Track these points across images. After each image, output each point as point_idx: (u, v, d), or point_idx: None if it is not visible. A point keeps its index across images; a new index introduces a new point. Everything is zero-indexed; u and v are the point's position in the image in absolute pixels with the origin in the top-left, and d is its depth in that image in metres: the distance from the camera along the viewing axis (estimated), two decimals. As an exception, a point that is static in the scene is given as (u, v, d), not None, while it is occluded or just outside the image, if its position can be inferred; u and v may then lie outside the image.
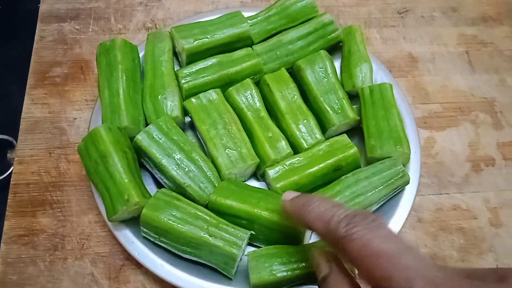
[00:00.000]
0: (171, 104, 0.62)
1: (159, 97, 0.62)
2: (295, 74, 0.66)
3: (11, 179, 0.63)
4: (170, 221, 0.53)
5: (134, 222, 0.57)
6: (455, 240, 0.62)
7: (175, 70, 0.66)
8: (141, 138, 0.58)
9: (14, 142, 0.67)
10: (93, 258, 0.59)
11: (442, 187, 0.66)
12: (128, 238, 0.56)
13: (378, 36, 0.78)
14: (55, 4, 0.77)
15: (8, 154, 0.66)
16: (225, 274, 0.54)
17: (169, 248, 0.55)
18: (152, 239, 0.56)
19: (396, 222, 0.58)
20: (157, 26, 0.76)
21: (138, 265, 0.58)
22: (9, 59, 0.77)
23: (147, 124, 0.62)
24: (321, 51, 0.66)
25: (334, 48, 0.71)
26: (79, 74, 0.71)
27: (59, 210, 0.61)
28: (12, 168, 0.64)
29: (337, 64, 0.70)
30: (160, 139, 0.58)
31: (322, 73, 0.65)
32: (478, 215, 0.64)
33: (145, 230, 0.55)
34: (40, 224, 0.60)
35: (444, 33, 0.79)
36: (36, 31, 0.74)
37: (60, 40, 0.74)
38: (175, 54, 0.69)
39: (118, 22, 0.76)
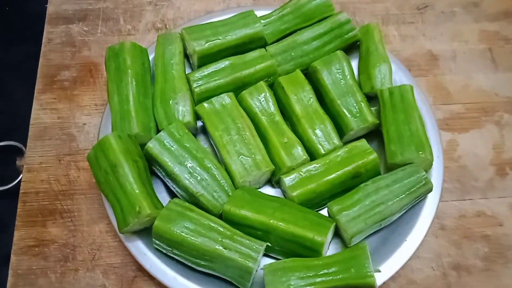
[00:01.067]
0: (183, 109, 0.60)
1: (170, 102, 0.60)
2: (311, 76, 0.64)
3: (21, 187, 0.62)
4: (183, 233, 0.51)
5: (146, 232, 0.55)
6: (479, 248, 0.60)
7: (186, 73, 0.64)
8: (152, 146, 0.56)
9: (23, 148, 0.65)
10: (105, 269, 0.57)
11: (465, 192, 0.63)
12: (140, 250, 0.55)
13: (396, 34, 0.75)
14: (62, 5, 0.75)
15: (17, 161, 0.65)
16: (240, 287, 0.53)
17: (182, 260, 0.54)
18: (164, 251, 0.54)
19: (419, 230, 0.56)
20: (167, 26, 0.74)
21: (151, 277, 0.56)
22: (15, 61, 0.76)
23: (158, 130, 0.60)
24: (338, 51, 0.64)
25: (351, 48, 0.68)
26: (88, 77, 0.69)
27: (70, 219, 0.60)
28: (21, 175, 0.63)
29: (354, 64, 0.67)
30: (172, 146, 0.56)
31: (339, 74, 0.62)
32: (504, 222, 0.61)
33: (157, 242, 0.53)
34: (50, 234, 0.59)
35: (465, 30, 0.76)
36: (44, 33, 0.73)
37: (68, 43, 0.72)
38: (186, 56, 0.67)
39: (127, 22, 0.74)
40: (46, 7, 0.75)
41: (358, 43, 0.68)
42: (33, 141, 0.64)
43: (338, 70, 0.62)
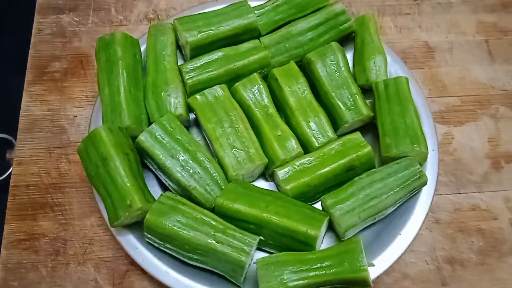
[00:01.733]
0: (175, 101, 0.59)
1: (162, 94, 0.59)
2: (305, 68, 0.63)
3: (11, 180, 0.61)
4: (175, 227, 0.51)
5: (138, 226, 0.55)
6: (474, 242, 0.59)
7: (178, 64, 0.63)
8: (144, 139, 0.55)
9: (13, 141, 0.64)
10: (96, 263, 0.57)
11: (460, 186, 0.63)
12: (132, 244, 0.54)
13: (392, 25, 0.74)
14: (53, -6, 0.74)
15: (7, 154, 0.64)
16: (233, 281, 0.52)
17: (174, 254, 0.53)
18: (156, 245, 0.53)
19: (413, 224, 0.55)
20: (160, 16, 0.73)
21: (144, 271, 0.56)
22: (6, 52, 0.75)
23: (150, 123, 0.59)
24: (333, 43, 0.63)
25: (346, 39, 0.67)
26: (79, 69, 0.68)
27: (60, 213, 0.59)
28: (11, 169, 0.62)
29: (349, 56, 0.66)
30: (163, 139, 0.55)
31: (333, 66, 0.61)
32: (498, 216, 0.61)
33: (149, 236, 0.52)
34: (41, 227, 0.58)
35: (462, 21, 0.75)
36: (34, 23, 0.71)
37: (58, 33, 0.71)
38: (179, 47, 0.66)
39: (119, 13, 0.73)
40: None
41: (353, 34, 0.67)
42: (23, 134, 0.63)
43: (333, 62, 0.61)
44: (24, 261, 0.57)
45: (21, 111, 0.65)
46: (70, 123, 0.64)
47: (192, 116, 0.62)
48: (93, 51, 0.69)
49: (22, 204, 0.59)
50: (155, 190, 0.58)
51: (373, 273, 0.52)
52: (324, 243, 0.56)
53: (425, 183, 0.56)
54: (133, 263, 0.57)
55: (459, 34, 0.74)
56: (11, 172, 0.62)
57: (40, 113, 0.65)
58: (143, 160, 0.57)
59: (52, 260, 0.57)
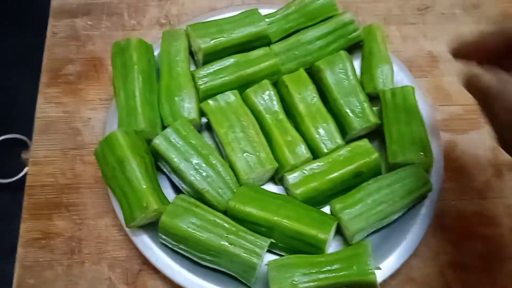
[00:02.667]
0: (188, 106, 0.61)
1: (176, 98, 0.61)
2: (314, 75, 0.65)
3: (26, 180, 0.62)
4: (189, 229, 0.52)
5: (151, 227, 0.56)
6: (477, 248, 0.61)
7: (191, 70, 0.64)
8: (159, 142, 0.57)
9: (28, 141, 0.66)
10: (111, 263, 0.58)
11: (463, 192, 0.65)
12: (146, 244, 0.56)
13: (398, 34, 0.76)
14: (66, -2, 0.75)
15: (22, 155, 0.65)
16: (245, 282, 0.54)
17: (187, 255, 0.55)
18: (170, 246, 0.55)
19: (418, 229, 0.57)
20: (171, 22, 0.75)
21: (156, 270, 0.57)
22: (19, 54, 0.76)
23: (163, 127, 0.61)
24: (341, 51, 0.65)
25: (354, 48, 0.69)
26: (93, 72, 0.70)
27: (75, 213, 0.61)
28: (26, 168, 0.63)
29: (357, 64, 0.68)
30: (178, 143, 0.57)
31: (342, 74, 0.63)
32: (501, 222, 0.63)
33: (163, 237, 0.54)
34: (56, 227, 0.60)
35: (466, 31, 0.77)
36: (48, 27, 0.73)
37: (72, 37, 0.72)
38: (191, 53, 0.67)
39: (132, 18, 0.75)
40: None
41: (361, 43, 0.69)
42: (39, 135, 0.65)
43: (342, 70, 0.63)
44: (40, 260, 0.58)
45: (36, 113, 0.66)
46: (84, 125, 0.66)
47: (203, 120, 0.64)
48: (107, 55, 0.70)
49: (37, 203, 0.61)
50: (168, 193, 0.59)
51: (379, 276, 0.54)
52: (332, 246, 0.58)
53: (430, 190, 0.58)
54: (146, 263, 0.58)
55: (462, 44, 0.76)
56: (26, 172, 0.63)
57: (55, 115, 0.66)
58: (156, 163, 0.59)
59: (67, 258, 0.58)
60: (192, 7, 0.76)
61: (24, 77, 0.73)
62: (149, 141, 0.58)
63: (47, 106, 0.67)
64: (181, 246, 0.54)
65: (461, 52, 0.51)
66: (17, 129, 0.68)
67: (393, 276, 0.56)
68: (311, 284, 0.51)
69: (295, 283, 0.51)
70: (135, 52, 0.62)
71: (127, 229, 0.56)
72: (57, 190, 0.62)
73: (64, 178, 0.63)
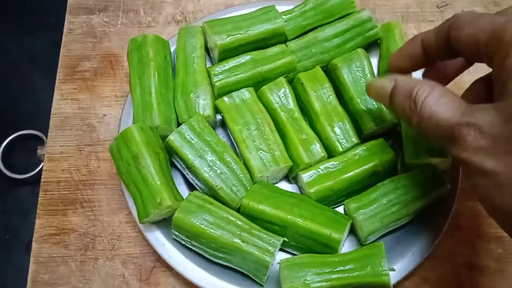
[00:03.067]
0: (203, 103, 0.61)
1: (191, 95, 0.61)
2: (331, 73, 0.64)
3: (42, 176, 0.63)
4: (202, 226, 0.52)
5: (165, 223, 0.56)
6: (493, 249, 0.60)
7: (207, 67, 0.64)
8: (174, 139, 0.57)
9: (44, 137, 0.66)
10: (124, 259, 0.59)
11: (481, 193, 0.63)
12: (159, 241, 0.56)
13: (416, 32, 0.75)
14: (83, -5, 0.76)
15: (38, 150, 0.65)
16: (256, 280, 0.54)
17: (200, 252, 0.55)
18: (183, 242, 0.55)
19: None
20: (187, 19, 0.74)
21: (169, 267, 0.58)
22: (35, 50, 0.77)
23: (178, 123, 0.61)
24: (359, 49, 0.64)
25: (371, 46, 0.68)
26: (109, 68, 0.70)
27: (90, 209, 0.61)
28: (42, 164, 0.64)
29: (374, 62, 0.67)
30: (192, 139, 0.57)
31: (359, 72, 0.62)
32: (518, 223, 0.62)
33: (176, 233, 0.54)
34: (71, 223, 0.60)
35: (485, 29, 0.76)
36: (65, 23, 0.73)
37: (89, 33, 0.73)
38: (207, 50, 0.67)
39: (147, 14, 0.75)
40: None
41: (379, 41, 0.68)
42: (54, 131, 0.65)
43: (359, 68, 0.62)
44: (55, 255, 0.58)
45: (52, 109, 0.67)
46: (99, 122, 0.66)
47: (218, 117, 0.64)
48: (123, 52, 0.71)
49: (53, 199, 0.61)
50: (182, 189, 0.59)
51: (394, 277, 0.54)
52: (345, 246, 0.57)
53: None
54: (159, 260, 0.58)
55: (482, 42, 0.75)
56: (42, 167, 0.64)
57: (70, 111, 0.67)
58: (170, 159, 0.59)
59: (81, 255, 0.59)
60: (208, 3, 0.76)
61: (41, 73, 0.74)
62: (164, 138, 0.58)
63: (63, 103, 0.67)
64: (194, 243, 0.54)
65: (394, 61, 0.53)
66: (33, 125, 0.68)
67: (407, 276, 0.56)
68: (324, 284, 0.51)
69: (307, 282, 0.50)
70: (152, 49, 0.62)
71: (140, 226, 0.56)
72: (72, 186, 0.62)
73: (79, 174, 0.63)
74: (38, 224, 0.60)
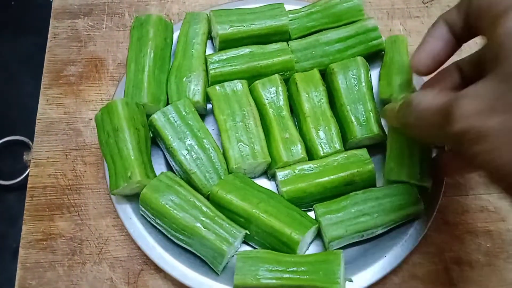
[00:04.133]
0: (194, 88, 0.61)
1: (184, 79, 0.62)
2: (327, 77, 0.64)
3: (28, 182, 0.62)
4: (167, 205, 0.53)
5: (136, 199, 0.56)
6: (482, 243, 0.60)
7: (205, 54, 0.65)
8: (157, 118, 0.58)
9: (30, 143, 0.66)
10: (112, 263, 0.58)
11: (469, 188, 0.63)
12: (127, 214, 0.57)
13: (401, 28, 0.75)
14: (68, -1, 0.76)
15: (24, 156, 0.65)
16: (213, 268, 0.54)
17: (163, 231, 0.55)
18: (148, 219, 0.56)
19: (421, 224, 0.56)
20: (172, 21, 0.74)
21: (157, 270, 0.58)
22: (21, 55, 0.76)
23: (167, 105, 0.61)
24: (358, 57, 0.63)
25: (374, 57, 0.67)
26: (94, 72, 0.70)
27: (77, 213, 0.61)
28: (28, 170, 0.64)
29: (375, 73, 0.66)
30: (175, 121, 0.58)
31: (354, 80, 0.62)
32: (506, 217, 0.62)
33: (142, 209, 0.55)
34: (58, 228, 0.60)
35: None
36: (49, 28, 0.73)
37: (73, 38, 0.72)
38: (211, 38, 0.68)
39: (132, 17, 0.75)
40: (52, 1, 0.75)
41: (383, 52, 0.66)
42: (40, 136, 0.65)
43: (354, 76, 0.62)
44: (42, 261, 0.58)
45: (38, 114, 0.66)
46: (85, 126, 0.66)
47: (209, 106, 0.64)
48: (108, 55, 0.71)
49: (39, 205, 0.61)
50: (161, 169, 0.60)
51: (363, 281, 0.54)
52: (309, 251, 0.57)
53: (421, 212, 0.56)
54: (147, 263, 0.58)
55: (468, 37, 0.74)
56: (28, 173, 0.63)
57: (56, 116, 0.66)
58: (155, 139, 0.60)
59: (68, 259, 0.58)
60: (193, 5, 0.76)
61: (26, 78, 0.74)
62: (149, 117, 0.59)
63: (48, 108, 0.67)
64: (157, 221, 0.55)
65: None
66: (19, 131, 0.68)
67: (395, 272, 0.56)
68: (274, 281, 0.51)
69: (258, 277, 0.51)
70: (152, 28, 0.64)
71: (129, 230, 0.56)
72: (59, 191, 0.62)
73: (66, 179, 0.63)
74: (25, 230, 0.60)
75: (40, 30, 0.75)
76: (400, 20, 0.76)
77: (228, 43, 0.64)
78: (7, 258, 0.63)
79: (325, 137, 0.59)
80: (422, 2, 0.77)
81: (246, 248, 0.57)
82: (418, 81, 0.63)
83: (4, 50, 0.77)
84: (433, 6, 0.77)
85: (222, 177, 0.57)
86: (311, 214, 0.58)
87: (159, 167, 0.60)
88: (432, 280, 0.58)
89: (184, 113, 0.58)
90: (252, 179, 0.60)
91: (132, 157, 0.54)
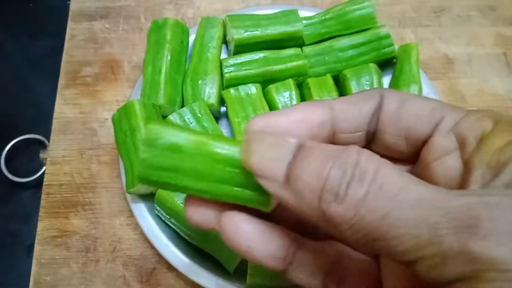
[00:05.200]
0: (209, 91, 0.62)
1: (199, 82, 0.63)
2: (340, 83, 0.65)
3: (44, 179, 0.63)
4: (182, 204, 0.54)
5: (151, 198, 0.57)
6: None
7: (220, 58, 0.66)
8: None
9: (46, 142, 0.67)
10: (125, 261, 0.59)
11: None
12: (142, 213, 0.57)
13: (413, 37, 0.76)
14: (85, 2, 0.77)
15: (40, 154, 0.66)
16: (225, 267, 0.55)
17: (177, 230, 0.56)
18: (163, 218, 0.57)
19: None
20: (187, 25, 0.75)
21: (169, 269, 0.58)
22: (37, 56, 0.78)
23: (183, 107, 0.62)
24: (371, 64, 0.64)
25: (387, 64, 0.68)
26: (110, 74, 0.71)
27: (91, 212, 0.62)
28: (44, 168, 0.65)
29: (387, 80, 0.67)
30: (191, 123, 0.59)
31: (367, 86, 0.63)
32: None
33: (158, 208, 0.56)
34: (72, 225, 0.61)
35: (481, 33, 0.77)
36: (67, 29, 0.74)
37: (90, 39, 0.74)
38: (226, 42, 0.69)
39: (148, 20, 0.76)
40: (69, 3, 0.77)
41: (394, 60, 0.68)
42: (56, 135, 0.66)
43: (367, 82, 0.63)
44: (57, 257, 0.59)
45: (54, 113, 0.67)
46: (101, 126, 0.67)
47: (223, 109, 0.65)
48: (124, 57, 0.72)
49: (55, 202, 0.62)
50: None
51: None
52: None
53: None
54: (160, 262, 0.59)
55: (478, 47, 0.76)
56: (44, 171, 0.64)
57: (72, 116, 0.67)
58: None
59: (83, 256, 0.59)
60: (208, 9, 0.77)
61: (43, 79, 0.75)
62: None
63: (65, 107, 0.68)
64: (173, 221, 0.55)
65: None
66: (36, 130, 0.69)
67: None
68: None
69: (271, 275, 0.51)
70: (170, 32, 0.65)
71: (144, 229, 0.56)
72: (74, 189, 0.63)
73: (81, 177, 0.64)
74: (41, 227, 0.60)
75: (55, 33, 0.76)
76: (411, 29, 0.77)
77: (242, 48, 0.65)
78: (21, 255, 0.63)
79: (332, 142, 0.60)
80: (433, 11, 0.79)
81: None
82: (427, 93, 0.65)
83: (21, 51, 0.78)
84: (443, 16, 0.78)
85: None
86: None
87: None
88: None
89: (199, 114, 0.59)
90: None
91: None
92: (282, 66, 0.64)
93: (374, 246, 0.22)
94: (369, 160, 0.22)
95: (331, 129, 0.28)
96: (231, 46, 0.67)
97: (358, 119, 0.28)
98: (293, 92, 0.62)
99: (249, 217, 0.27)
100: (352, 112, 0.28)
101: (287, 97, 0.62)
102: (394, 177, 0.22)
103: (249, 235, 0.27)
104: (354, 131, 0.28)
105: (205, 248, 0.55)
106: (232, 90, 0.62)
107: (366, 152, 0.23)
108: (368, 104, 0.28)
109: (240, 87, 0.62)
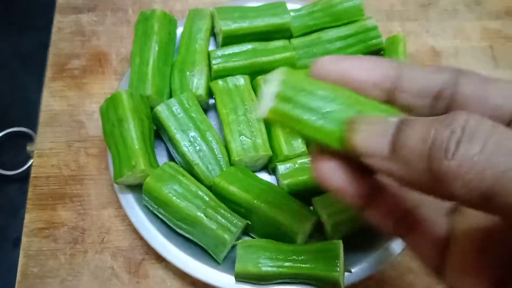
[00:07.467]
0: (197, 82, 0.63)
1: (187, 73, 0.63)
2: None
3: (31, 171, 0.63)
4: (170, 194, 0.54)
5: (139, 189, 0.57)
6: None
7: (209, 50, 0.66)
8: (161, 110, 0.59)
9: (34, 135, 0.67)
10: (113, 252, 0.59)
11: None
12: (130, 204, 0.57)
13: (400, 30, 0.76)
14: (72, -5, 0.76)
15: (27, 147, 0.66)
16: (214, 257, 0.55)
17: (165, 220, 0.56)
18: (151, 209, 0.57)
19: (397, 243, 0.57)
20: (175, 18, 0.75)
21: (158, 260, 0.58)
22: (24, 50, 0.77)
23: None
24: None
25: (376, 55, 0.68)
26: (97, 67, 0.71)
27: (79, 203, 0.61)
28: (31, 160, 0.64)
29: None
30: (178, 113, 0.59)
31: None
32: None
33: (146, 198, 0.56)
34: (60, 217, 0.60)
35: (468, 27, 0.78)
36: (54, 22, 0.74)
37: (78, 32, 0.73)
38: (214, 34, 0.69)
39: (136, 13, 0.75)
40: (56, -4, 0.76)
41: (382, 52, 0.68)
42: (44, 128, 0.66)
43: None
44: (44, 249, 0.59)
45: (41, 106, 0.67)
46: (88, 118, 0.67)
47: (212, 101, 0.65)
48: (111, 50, 0.72)
49: (42, 194, 0.62)
50: (164, 161, 0.60)
51: (348, 279, 0.54)
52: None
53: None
54: (148, 253, 0.59)
55: (464, 40, 0.76)
56: (31, 163, 0.64)
57: (59, 108, 0.67)
58: (158, 131, 0.61)
59: (70, 248, 0.59)
60: (196, 2, 0.77)
61: (30, 73, 0.75)
62: (153, 109, 0.60)
63: (52, 100, 0.68)
64: (161, 210, 0.55)
65: None
66: (22, 123, 0.69)
67: (393, 266, 0.57)
68: (275, 269, 0.51)
69: (259, 264, 0.52)
70: (157, 23, 0.65)
71: (132, 219, 0.56)
72: (62, 181, 0.62)
73: (68, 169, 0.63)
74: (28, 219, 0.60)
75: (43, 27, 0.75)
76: (398, 22, 0.77)
77: (231, 39, 0.65)
78: (8, 247, 0.63)
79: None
80: (421, 5, 0.79)
81: (247, 238, 0.58)
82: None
83: (7, 45, 0.77)
84: (430, 10, 0.79)
85: (224, 169, 0.58)
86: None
87: (162, 159, 0.61)
88: (429, 275, 0.59)
89: (187, 105, 0.59)
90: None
91: (137, 147, 0.55)
92: (271, 58, 0.65)
93: (491, 202, 0.22)
94: (481, 121, 0.23)
95: (392, 86, 0.29)
96: (219, 38, 0.67)
97: (425, 84, 0.29)
98: None
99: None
100: (421, 75, 0.29)
101: None
102: (511, 134, 0.22)
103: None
104: (416, 94, 0.29)
105: (193, 238, 0.55)
106: (220, 82, 0.62)
107: (477, 115, 0.23)
108: (441, 75, 0.29)
109: (228, 79, 0.63)
